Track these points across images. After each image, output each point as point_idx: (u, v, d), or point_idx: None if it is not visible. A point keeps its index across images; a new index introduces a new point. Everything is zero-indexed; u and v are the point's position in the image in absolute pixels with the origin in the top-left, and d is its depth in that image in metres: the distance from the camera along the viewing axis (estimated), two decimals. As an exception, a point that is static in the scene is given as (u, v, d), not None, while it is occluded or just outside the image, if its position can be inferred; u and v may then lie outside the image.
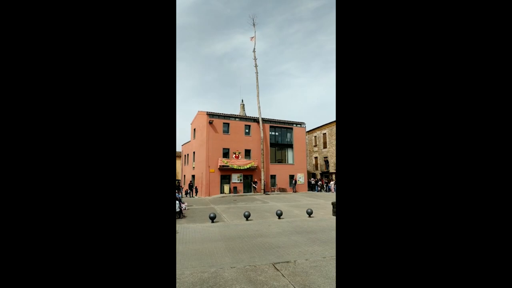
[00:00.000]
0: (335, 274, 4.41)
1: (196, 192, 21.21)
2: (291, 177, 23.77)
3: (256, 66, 24.60)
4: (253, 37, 24.82)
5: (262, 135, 21.76)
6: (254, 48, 24.89)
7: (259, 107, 22.70)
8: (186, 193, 20.98)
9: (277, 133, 24.19)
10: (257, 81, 24.47)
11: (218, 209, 12.68)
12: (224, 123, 21.52)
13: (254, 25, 24.97)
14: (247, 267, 4.83)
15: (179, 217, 10.32)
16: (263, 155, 21.28)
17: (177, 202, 10.73)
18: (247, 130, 22.42)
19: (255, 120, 22.78)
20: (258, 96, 23.92)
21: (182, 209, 11.21)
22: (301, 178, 24.29)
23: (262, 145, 21.49)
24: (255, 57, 24.85)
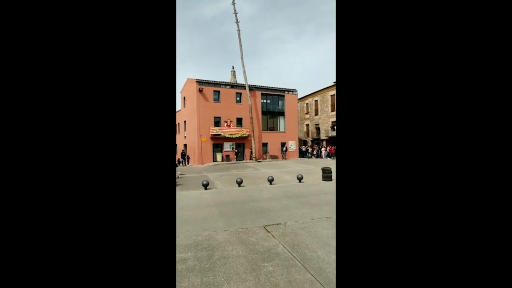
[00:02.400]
0: (323, 234, 4.70)
1: (188, 160, 21.38)
2: (283, 144, 24.05)
3: (237, 22, 22.14)
4: None
5: (250, 102, 21.19)
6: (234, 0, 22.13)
7: (244, 72, 21.59)
8: (179, 162, 21.15)
9: (268, 101, 23.88)
10: (240, 41, 22.20)
11: (211, 176, 12.91)
12: (214, 90, 21.01)
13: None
14: (239, 229, 5.06)
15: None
16: (252, 123, 21.10)
17: None
18: (238, 98, 22.05)
19: (249, 87, 22.32)
20: (242, 58, 21.87)
21: (176, 177, 11.38)
22: (292, 145, 24.61)
23: (250, 113, 21.10)
24: (235, 10, 22.11)
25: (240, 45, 22.22)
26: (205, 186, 9.56)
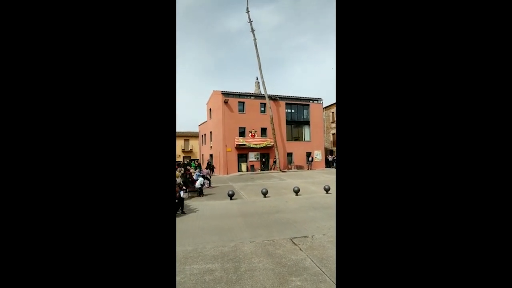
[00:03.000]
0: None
1: (213, 170, 21.74)
2: (308, 154, 23.66)
3: (253, 31, 21.46)
4: None
5: (271, 113, 20.89)
6: (248, 8, 21.47)
7: (263, 82, 21.24)
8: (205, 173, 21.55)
9: (293, 110, 23.78)
10: (257, 51, 21.32)
11: (236, 186, 12.99)
12: (239, 102, 21.40)
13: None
14: (265, 241, 4.99)
15: (199, 195, 10.69)
16: (274, 134, 20.91)
17: (201, 178, 11.12)
18: (262, 108, 22.23)
19: (271, 97, 22.44)
20: (260, 69, 21.19)
21: (205, 187, 11.50)
22: (318, 155, 24.13)
23: (272, 124, 20.77)
24: (249, 18, 21.42)
25: (258, 55, 21.56)
26: (231, 196, 9.63)
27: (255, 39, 21.60)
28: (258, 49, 22.19)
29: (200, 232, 5.76)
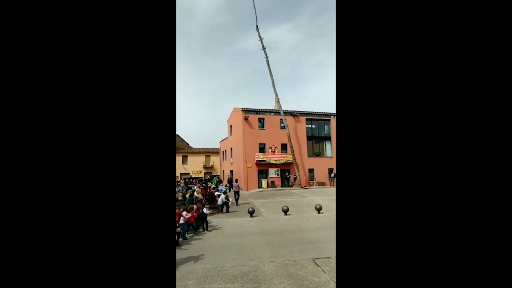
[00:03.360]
0: (380, 271, 4.21)
1: (231, 185, 21.75)
2: (330, 170, 23.08)
3: (264, 48, 20.88)
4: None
5: (288, 131, 20.49)
6: (257, 25, 20.90)
7: (277, 100, 21.11)
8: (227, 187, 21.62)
9: (313, 126, 23.56)
10: (269, 68, 20.70)
11: (257, 203, 12.85)
12: (259, 118, 21.61)
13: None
14: (286, 261, 4.82)
15: (224, 211, 10.56)
16: (292, 151, 20.39)
17: (223, 195, 10.89)
18: (282, 124, 22.25)
19: (291, 113, 22.47)
20: (274, 86, 20.92)
21: (231, 203, 11.08)
22: (340, 171, 23.43)
23: (289, 141, 20.32)
24: (259, 35, 20.85)
25: (270, 73, 21.13)
26: (251, 213, 9.51)
27: (266, 57, 21.18)
28: (272, 67, 22.39)
29: (220, 250, 5.70)
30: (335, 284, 3.80)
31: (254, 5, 21.17)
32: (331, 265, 4.57)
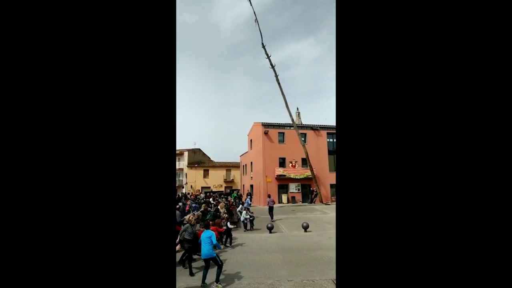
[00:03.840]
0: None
1: (251, 200, 21.60)
2: (353, 186, 22.28)
3: (273, 67, 19.24)
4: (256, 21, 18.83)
5: (305, 150, 19.50)
6: (263, 43, 19.04)
7: (290, 114, 20.10)
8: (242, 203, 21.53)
9: (335, 140, 23.15)
10: (280, 86, 19.25)
11: (276, 219, 12.62)
12: (279, 132, 21.62)
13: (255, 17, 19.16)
14: (304, 281, 4.64)
15: (248, 228, 10.03)
16: (311, 167, 19.33)
17: (244, 212, 10.30)
18: (303, 138, 22.08)
19: (312, 127, 22.27)
20: (287, 106, 19.24)
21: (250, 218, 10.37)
22: (364, 187, 22.54)
23: (307, 158, 19.37)
24: (267, 54, 19.12)
25: (282, 92, 19.60)
26: (270, 229, 9.35)
27: (276, 75, 19.49)
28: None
29: (237, 266, 5.61)
30: (356, 309, 3.59)
31: (256, 21, 18.72)
32: (352, 287, 4.33)
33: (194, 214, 7.05)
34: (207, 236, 4.64)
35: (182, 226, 6.02)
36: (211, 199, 13.08)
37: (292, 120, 20.33)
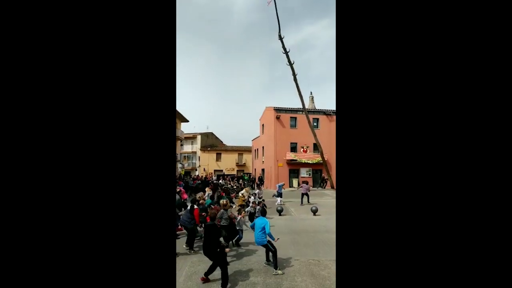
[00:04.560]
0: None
1: (262, 184, 22.00)
2: (365, 172, 22.16)
3: (291, 64, 15.80)
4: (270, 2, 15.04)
5: (315, 135, 18.43)
6: (280, 34, 15.30)
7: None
8: (257, 186, 22.01)
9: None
10: (298, 87, 16.03)
11: (286, 202, 12.91)
12: (291, 117, 21.53)
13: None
14: (310, 260, 4.89)
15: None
16: (321, 152, 18.58)
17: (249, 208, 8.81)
18: (315, 123, 21.90)
19: (325, 112, 22.02)
20: (298, 88, 15.98)
21: (278, 203, 9.82)
22: (376, 173, 22.38)
23: (316, 140, 18.32)
24: (284, 49, 15.50)
25: (300, 94, 16.84)
26: (280, 212, 9.63)
27: (294, 74, 16.20)
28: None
29: (246, 246, 5.93)
30: None
31: (274, 3, 14.53)
32: (355, 268, 4.54)
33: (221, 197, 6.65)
34: (260, 224, 4.45)
35: (181, 210, 6.12)
36: (221, 181, 13.17)
37: (304, 107, 19.35)
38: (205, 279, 3.92)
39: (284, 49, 14.95)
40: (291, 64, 15.34)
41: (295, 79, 16.20)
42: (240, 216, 5.93)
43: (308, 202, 12.10)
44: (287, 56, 15.16)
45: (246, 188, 10.02)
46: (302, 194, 12.31)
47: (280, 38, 14.78)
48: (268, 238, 4.44)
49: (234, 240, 5.75)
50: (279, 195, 11.89)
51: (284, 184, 13.63)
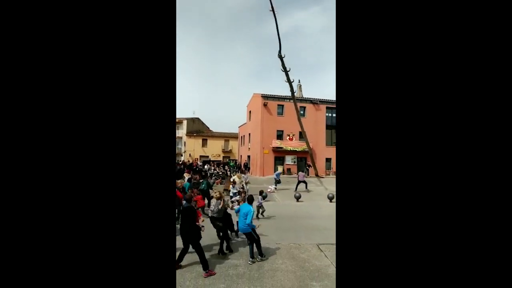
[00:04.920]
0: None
1: (248, 170, 22.19)
2: (348, 160, 22.71)
3: (290, 82, 14.26)
4: None
5: (301, 124, 17.16)
6: (280, 53, 13.27)
7: (299, 86, 17.95)
8: (241, 172, 22.12)
9: (334, 115, 23.14)
10: (290, 83, 14.20)
11: (282, 190, 13.11)
12: (278, 105, 21.54)
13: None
14: (291, 244, 5.06)
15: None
16: (306, 140, 17.91)
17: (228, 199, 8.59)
18: (302, 112, 22.03)
19: (312, 101, 22.16)
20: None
21: (269, 191, 9.85)
22: (359, 162, 22.98)
23: (301, 127, 17.32)
24: (284, 67, 13.61)
25: (295, 103, 16.21)
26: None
27: (293, 92, 15.46)
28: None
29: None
30: (335, 269, 3.99)
31: (273, 10, 11.98)
32: (334, 251, 4.74)
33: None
34: (245, 211, 4.33)
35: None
36: (206, 166, 13.16)
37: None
38: (179, 266, 3.84)
39: (284, 68, 14.22)
40: (290, 83, 14.70)
41: (292, 95, 15.71)
42: (236, 205, 5.81)
43: (306, 188, 12.38)
44: (287, 75, 14.46)
45: (238, 174, 10.12)
46: (299, 182, 12.47)
47: (280, 57, 13.95)
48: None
49: (233, 232, 5.58)
50: (277, 182, 12.03)
51: (282, 173, 13.64)
